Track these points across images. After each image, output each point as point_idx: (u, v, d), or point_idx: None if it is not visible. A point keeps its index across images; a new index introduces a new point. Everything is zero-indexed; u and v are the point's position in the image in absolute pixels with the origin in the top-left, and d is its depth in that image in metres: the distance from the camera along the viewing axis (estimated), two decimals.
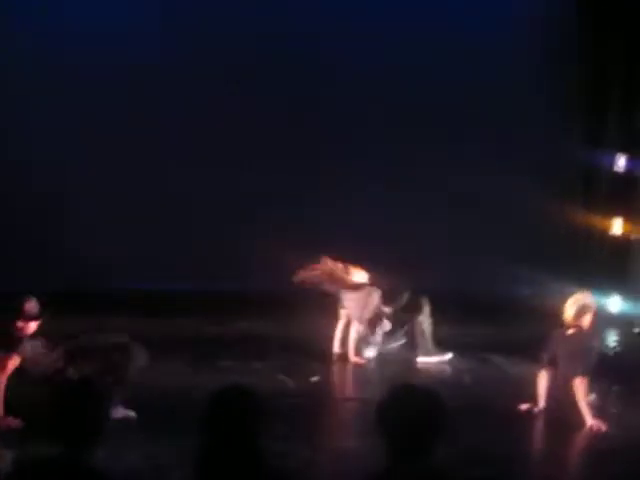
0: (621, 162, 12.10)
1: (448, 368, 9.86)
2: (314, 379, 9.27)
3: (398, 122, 12.55)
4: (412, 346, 10.10)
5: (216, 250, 12.34)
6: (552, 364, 8.02)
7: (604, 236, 12.17)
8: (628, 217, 12.14)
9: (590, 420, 7.71)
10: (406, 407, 4.06)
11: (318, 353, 9.98)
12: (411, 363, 9.99)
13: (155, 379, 9.02)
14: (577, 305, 7.96)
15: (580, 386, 7.74)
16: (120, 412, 7.46)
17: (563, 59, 12.98)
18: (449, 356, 10.05)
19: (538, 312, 11.73)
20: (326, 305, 10.15)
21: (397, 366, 9.84)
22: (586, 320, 7.94)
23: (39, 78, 12.18)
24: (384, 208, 12.33)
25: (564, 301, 8.05)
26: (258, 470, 4.22)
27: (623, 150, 12.05)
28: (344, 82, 12.69)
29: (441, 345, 10.14)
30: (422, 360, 9.98)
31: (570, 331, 7.95)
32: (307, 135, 12.61)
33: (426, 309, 10.02)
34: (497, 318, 11.53)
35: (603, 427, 7.68)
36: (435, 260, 12.05)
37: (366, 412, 7.49)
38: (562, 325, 7.99)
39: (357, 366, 9.89)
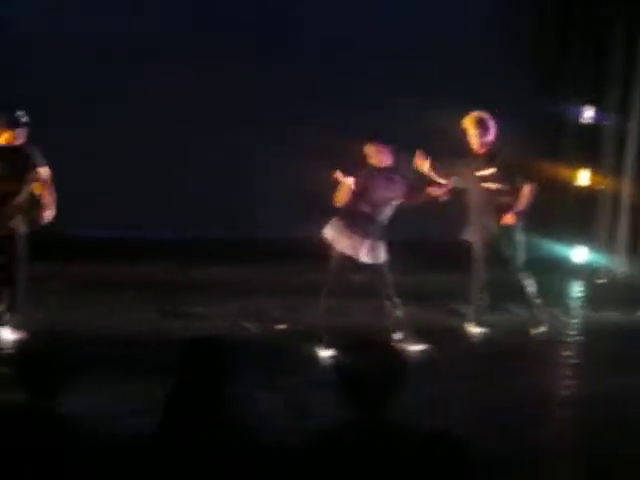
0: (588, 114, 12.15)
1: None
2: (280, 327, 9.38)
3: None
4: None
5: (186, 199, 12.32)
6: None
7: (569, 187, 12.20)
8: (594, 169, 12.16)
9: None
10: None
11: (289, 299, 10.05)
12: None
13: (123, 325, 9.16)
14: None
15: None
16: None
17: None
18: None
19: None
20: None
21: None
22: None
23: None
24: None
25: None
26: (225, 416, 4.40)
27: (590, 102, 12.07)
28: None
29: None
30: None
31: None
32: None
33: None
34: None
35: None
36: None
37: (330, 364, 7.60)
38: None
39: None
